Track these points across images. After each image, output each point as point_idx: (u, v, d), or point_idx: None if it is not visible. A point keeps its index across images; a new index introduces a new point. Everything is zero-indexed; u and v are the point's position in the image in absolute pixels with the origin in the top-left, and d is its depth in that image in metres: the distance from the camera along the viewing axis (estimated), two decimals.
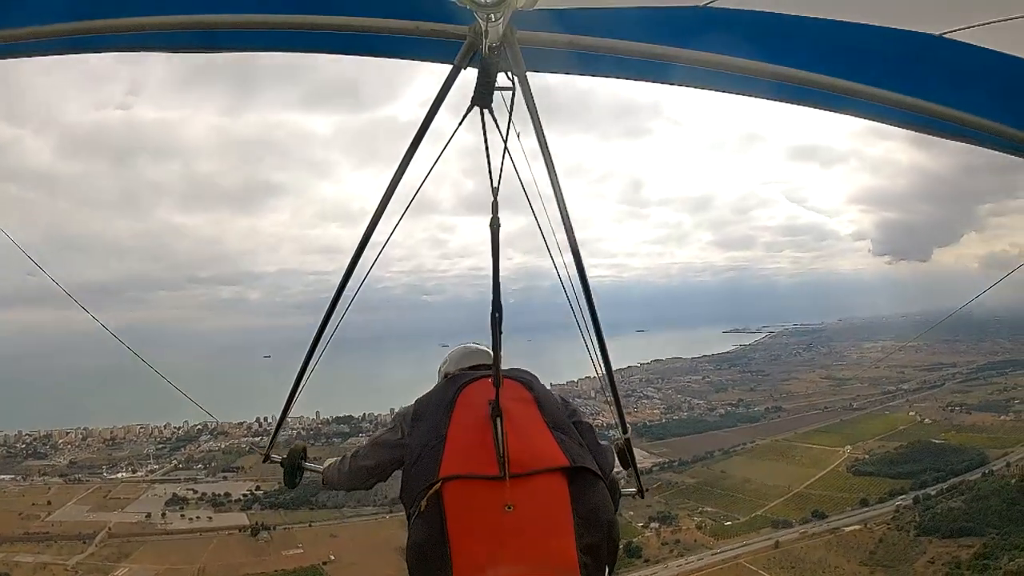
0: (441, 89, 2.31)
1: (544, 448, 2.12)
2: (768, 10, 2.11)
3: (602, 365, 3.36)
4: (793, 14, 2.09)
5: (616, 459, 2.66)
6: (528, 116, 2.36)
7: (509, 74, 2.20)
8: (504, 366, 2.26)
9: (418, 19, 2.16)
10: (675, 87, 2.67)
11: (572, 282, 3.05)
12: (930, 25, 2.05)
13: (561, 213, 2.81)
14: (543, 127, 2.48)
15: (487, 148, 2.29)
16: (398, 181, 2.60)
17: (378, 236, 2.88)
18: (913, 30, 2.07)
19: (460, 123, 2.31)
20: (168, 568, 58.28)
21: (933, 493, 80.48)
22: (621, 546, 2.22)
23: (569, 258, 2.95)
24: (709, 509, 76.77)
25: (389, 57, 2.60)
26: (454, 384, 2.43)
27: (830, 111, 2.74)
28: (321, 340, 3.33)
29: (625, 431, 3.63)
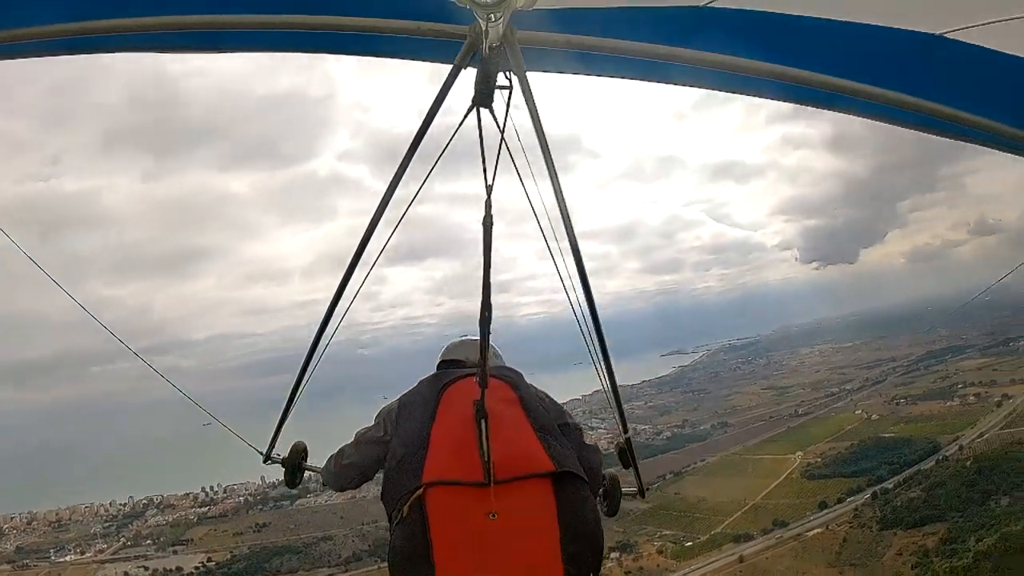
0: (441, 89, 2.31)
1: (529, 452, 2.09)
2: (768, 10, 2.11)
3: (603, 365, 3.36)
4: (793, 14, 2.09)
5: (601, 459, 2.63)
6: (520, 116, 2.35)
7: (509, 74, 2.20)
8: None
9: (418, 19, 2.15)
10: (675, 85, 2.67)
11: (572, 281, 3.06)
12: (930, 25, 2.05)
13: (561, 212, 2.81)
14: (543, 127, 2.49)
15: (482, 146, 2.28)
16: (398, 182, 2.60)
17: (380, 234, 2.88)
18: (913, 30, 2.07)
19: (461, 123, 2.31)
20: None
21: (890, 487, 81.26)
22: None
23: (570, 259, 2.94)
24: (668, 532, 76.86)
25: (389, 57, 2.60)
26: (438, 383, 2.39)
27: (830, 111, 2.75)
28: (321, 341, 3.34)
29: (626, 431, 3.64)
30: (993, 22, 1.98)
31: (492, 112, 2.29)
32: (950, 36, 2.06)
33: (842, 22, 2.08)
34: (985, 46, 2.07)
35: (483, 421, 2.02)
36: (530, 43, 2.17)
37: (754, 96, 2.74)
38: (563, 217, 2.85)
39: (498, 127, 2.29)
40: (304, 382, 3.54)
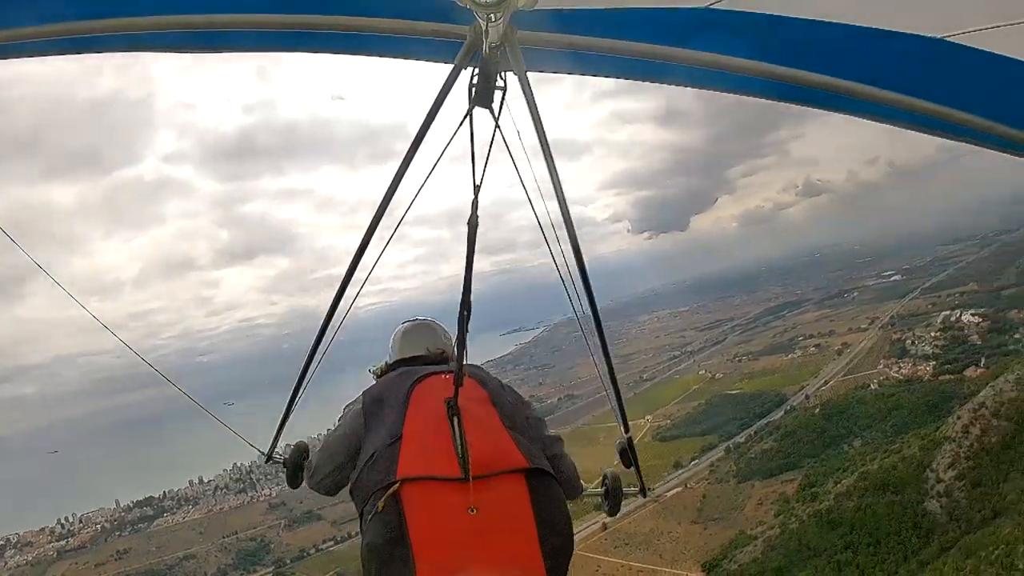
0: (441, 89, 2.31)
1: (503, 449, 2.10)
2: (769, 12, 2.11)
3: (604, 365, 3.36)
4: (794, 16, 2.09)
5: (563, 449, 2.64)
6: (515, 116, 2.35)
7: (510, 73, 2.20)
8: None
9: (418, 19, 2.15)
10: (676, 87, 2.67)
11: (572, 279, 3.06)
12: (931, 28, 2.05)
13: (561, 210, 2.82)
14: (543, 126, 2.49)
15: (472, 145, 2.28)
16: (398, 182, 2.60)
17: (381, 234, 2.88)
18: (915, 33, 2.07)
19: (461, 123, 2.31)
20: None
21: (743, 440, 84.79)
22: None
23: (570, 258, 2.94)
24: None
25: (389, 57, 2.59)
26: (407, 379, 2.38)
27: (830, 111, 2.75)
28: (322, 342, 3.34)
29: (627, 430, 3.64)
30: (994, 27, 1.99)
31: (492, 111, 2.30)
32: (951, 39, 2.06)
33: (843, 25, 2.08)
34: (986, 49, 2.07)
35: (456, 418, 2.04)
36: (530, 43, 2.17)
37: (754, 96, 2.74)
38: (563, 217, 2.86)
39: (497, 126, 2.30)
40: (305, 384, 3.54)
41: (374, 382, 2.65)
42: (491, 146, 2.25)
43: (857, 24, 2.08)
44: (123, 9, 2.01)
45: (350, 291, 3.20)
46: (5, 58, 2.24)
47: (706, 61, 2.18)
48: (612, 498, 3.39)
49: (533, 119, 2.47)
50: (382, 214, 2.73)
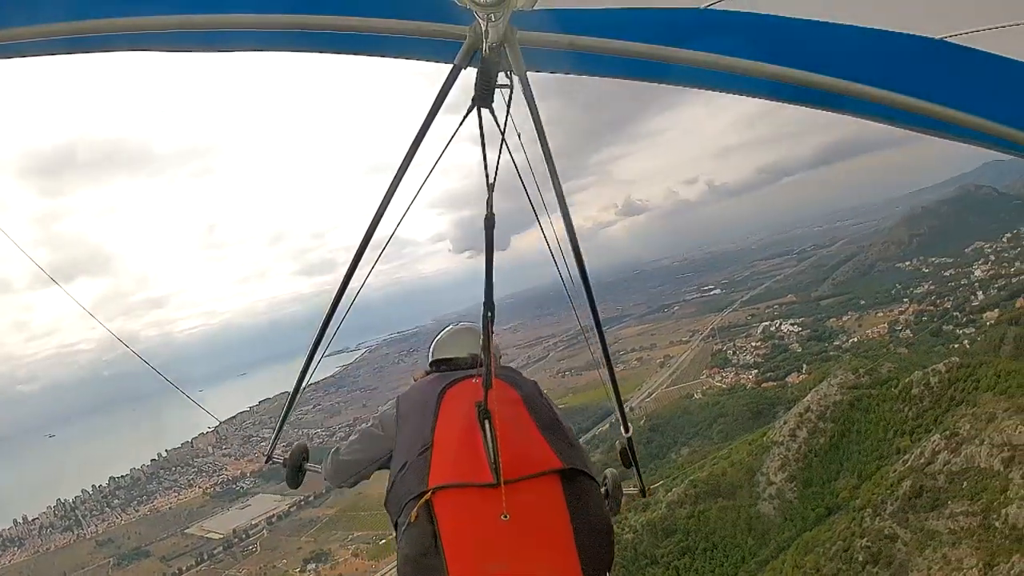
0: (441, 89, 2.31)
1: (536, 450, 2.06)
2: (769, 12, 2.11)
3: (605, 367, 3.37)
4: (794, 16, 2.10)
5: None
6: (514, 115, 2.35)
7: (509, 74, 2.21)
8: None
9: (418, 19, 2.15)
10: (678, 87, 2.67)
11: (572, 279, 3.07)
12: (931, 29, 2.05)
13: (562, 210, 2.82)
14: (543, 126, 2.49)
15: (483, 145, 2.28)
16: (398, 182, 2.60)
17: (380, 234, 2.89)
18: (913, 33, 2.07)
19: (461, 123, 2.32)
20: None
21: None
22: None
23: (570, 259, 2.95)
24: (359, 534, 77.83)
25: (389, 57, 2.60)
26: (438, 385, 2.36)
27: (830, 111, 2.75)
28: (322, 343, 3.34)
29: (627, 430, 3.64)
30: (994, 28, 1.99)
31: (492, 112, 2.30)
32: (951, 40, 2.07)
33: (843, 25, 2.08)
34: (986, 50, 2.08)
35: (487, 422, 1.99)
36: (530, 43, 2.17)
37: (755, 96, 2.74)
38: (563, 216, 2.86)
39: (498, 127, 2.30)
40: (303, 385, 3.55)
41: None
42: (501, 147, 2.26)
43: (857, 24, 2.08)
44: (123, 9, 2.01)
45: (351, 292, 3.20)
46: (5, 58, 2.24)
47: (706, 61, 2.18)
48: (613, 498, 3.40)
49: (533, 119, 2.48)
50: (382, 214, 2.73)
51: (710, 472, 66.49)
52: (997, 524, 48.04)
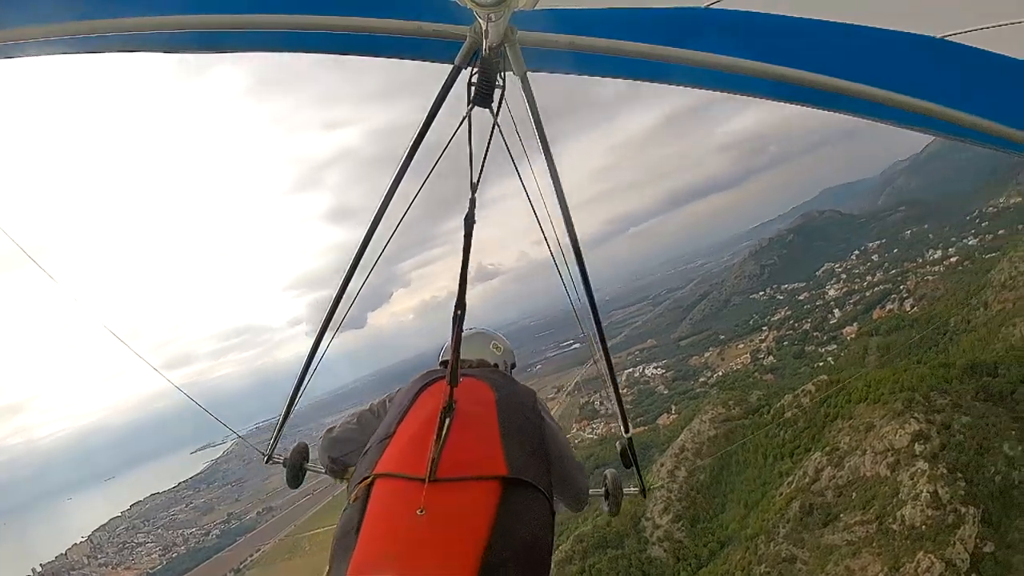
0: (442, 89, 2.31)
1: (485, 455, 2.03)
2: (769, 12, 2.11)
3: (605, 365, 3.37)
4: (794, 16, 2.09)
5: (583, 478, 2.62)
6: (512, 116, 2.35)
7: (510, 73, 2.21)
8: None
9: (419, 19, 2.15)
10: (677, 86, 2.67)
11: (572, 281, 3.07)
12: (931, 29, 2.05)
13: (562, 210, 2.82)
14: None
15: (470, 143, 2.28)
16: (399, 182, 2.60)
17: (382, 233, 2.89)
18: (914, 33, 2.07)
19: (461, 123, 2.31)
20: None
21: None
22: None
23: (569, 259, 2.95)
24: None
25: (389, 57, 2.59)
26: (422, 380, 2.40)
27: (830, 111, 2.75)
28: (322, 343, 3.34)
29: (627, 431, 3.64)
30: (994, 27, 1.99)
31: (492, 112, 2.30)
32: (951, 39, 2.07)
33: (843, 25, 2.08)
34: (986, 49, 2.08)
35: (445, 418, 1.99)
36: (530, 43, 2.17)
37: (754, 97, 2.74)
38: (564, 216, 2.86)
39: (497, 126, 2.30)
40: (304, 386, 3.55)
41: None
42: (490, 143, 2.25)
43: (857, 24, 2.08)
44: (123, 9, 2.01)
45: (350, 292, 3.20)
46: (5, 58, 2.23)
47: (706, 61, 2.18)
48: (613, 498, 3.39)
49: (533, 119, 2.48)
50: (382, 214, 2.73)
51: (594, 524, 65.87)
52: (895, 527, 49.91)
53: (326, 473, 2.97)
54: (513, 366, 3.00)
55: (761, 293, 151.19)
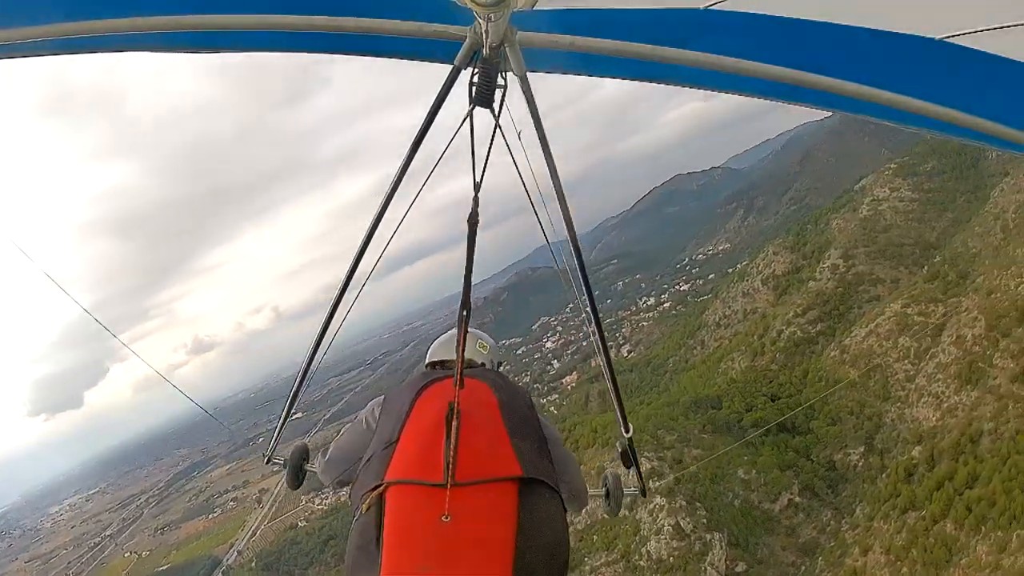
0: (442, 89, 2.31)
1: (497, 456, 2.03)
2: (769, 12, 2.11)
3: (605, 365, 3.37)
4: (793, 17, 2.10)
5: (579, 472, 2.62)
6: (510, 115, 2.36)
7: (510, 74, 2.21)
8: None
9: (418, 19, 2.15)
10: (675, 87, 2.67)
11: (572, 278, 3.07)
12: (931, 30, 2.06)
13: (562, 210, 2.83)
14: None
15: (472, 143, 2.28)
16: (399, 182, 2.60)
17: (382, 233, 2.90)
18: (914, 34, 2.07)
19: (462, 123, 2.31)
20: None
21: None
22: None
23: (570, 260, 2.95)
24: None
25: (389, 57, 2.60)
26: (419, 383, 2.37)
27: (829, 111, 2.76)
28: (322, 344, 3.35)
29: (627, 430, 3.64)
30: (993, 28, 1.99)
31: (492, 112, 2.30)
32: (951, 40, 2.07)
33: (843, 25, 2.09)
34: (984, 50, 2.08)
35: (453, 421, 1.97)
36: (530, 43, 2.17)
37: (754, 97, 2.74)
38: (564, 216, 2.87)
39: (498, 126, 2.30)
40: (304, 386, 3.56)
41: None
42: (492, 143, 2.25)
43: (857, 24, 2.08)
44: (123, 9, 2.01)
45: (350, 293, 3.20)
46: (5, 58, 2.23)
47: (706, 61, 2.18)
48: (613, 498, 3.40)
49: (533, 119, 2.48)
50: (383, 214, 2.73)
51: None
52: (642, 563, 53.00)
53: (329, 488, 2.95)
54: (499, 364, 2.99)
55: None
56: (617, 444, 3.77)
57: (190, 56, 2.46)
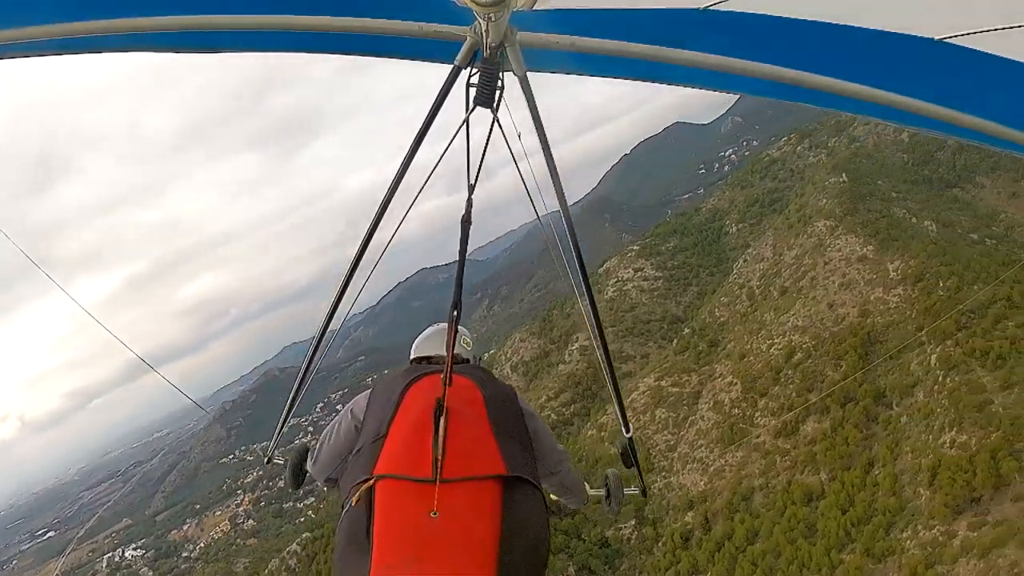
0: (442, 89, 2.31)
1: (483, 453, 2.07)
2: (767, 13, 2.12)
3: (605, 366, 3.37)
4: (792, 17, 2.10)
5: (569, 464, 2.64)
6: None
7: (510, 74, 2.21)
8: None
9: (419, 19, 2.15)
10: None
11: (570, 282, 3.07)
12: (930, 29, 2.06)
13: (562, 210, 2.83)
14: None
15: (468, 144, 2.29)
16: (399, 182, 2.60)
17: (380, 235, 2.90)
18: (914, 34, 2.08)
19: (462, 123, 2.31)
20: None
21: None
22: None
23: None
24: None
25: (389, 57, 2.60)
26: (405, 377, 2.39)
27: (829, 111, 2.76)
28: (322, 345, 3.35)
29: (627, 430, 3.64)
30: (993, 30, 2.00)
31: (493, 112, 2.30)
32: (951, 41, 2.07)
33: (843, 25, 2.09)
34: (984, 51, 2.09)
35: (441, 418, 2.01)
36: (530, 44, 2.17)
37: (755, 97, 2.74)
38: (563, 215, 2.87)
39: (499, 125, 2.31)
40: (304, 386, 3.55)
41: None
42: (488, 140, 2.26)
43: (857, 24, 2.08)
44: (123, 9, 2.01)
45: (350, 293, 3.20)
46: (5, 58, 2.23)
47: (706, 61, 2.18)
48: (614, 499, 3.39)
49: (533, 119, 2.48)
50: (383, 214, 2.73)
51: None
52: None
53: (323, 487, 2.96)
54: (480, 359, 3.01)
55: (231, 456, 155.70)
56: (617, 444, 3.77)
57: (180, 57, 2.46)
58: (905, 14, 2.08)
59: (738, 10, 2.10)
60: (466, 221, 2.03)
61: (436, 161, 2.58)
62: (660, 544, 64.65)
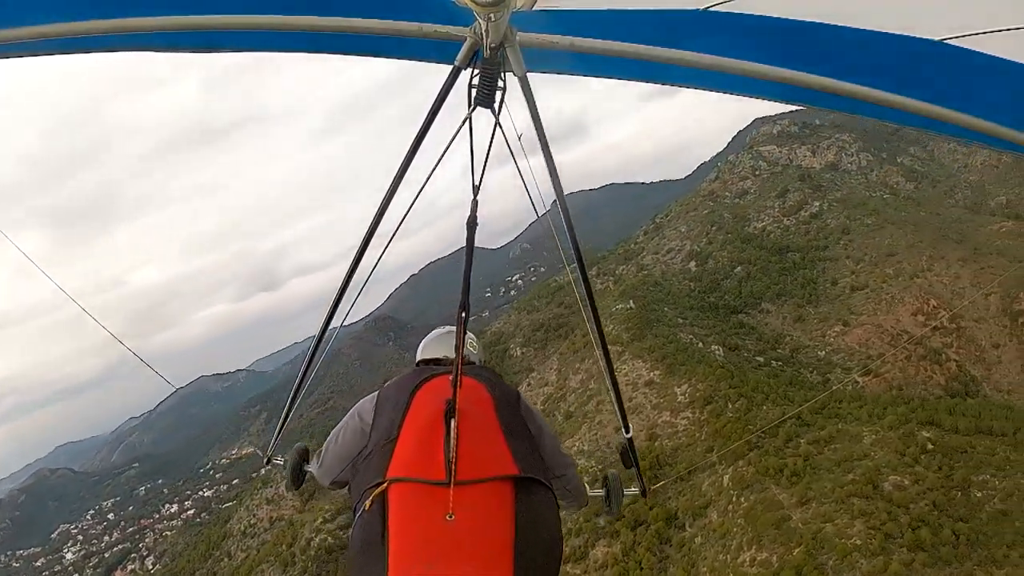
0: (442, 89, 2.31)
1: (495, 455, 2.07)
2: (767, 14, 2.12)
3: (605, 366, 3.37)
4: (794, 18, 2.10)
5: (575, 469, 2.64)
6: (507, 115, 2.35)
7: (510, 74, 2.21)
8: None
9: (419, 20, 2.15)
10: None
11: (572, 280, 3.07)
12: (930, 30, 2.06)
13: (562, 210, 2.83)
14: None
15: (471, 145, 2.28)
16: (399, 182, 2.60)
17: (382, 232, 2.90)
18: (914, 35, 2.08)
19: (463, 123, 2.31)
20: None
21: None
22: None
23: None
24: None
25: (389, 58, 2.60)
26: (414, 379, 2.38)
27: (829, 111, 2.76)
28: (322, 345, 3.35)
29: (627, 431, 3.63)
30: (993, 31, 2.00)
31: (493, 112, 2.30)
32: (951, 42, 2.07)
33: (842, 26, 2.09)
34: (984, 52, 2.08)
35: (451, 420, 2.01)
36: (530, 44, 2.17)
37: (754, 97, 2.74)
38: (563, 214, 2.87)
39: (499, 125, 2.31)
40: (304, 386, 3.55)
41: None
42: (492, 142, 2.26)
43: (857, 25, 2.08)
44: (123, 9, 2.01)
45: (350, 293, 3.20)
46: (5, 58, 2.23)
47: (706, 63, 2.18)
48: (614, 499, 3.39)
49: (533, 119, 2.48)
50: (383, 214, 2.73)
51: None
52: None
53: (328, 489, 2.95)
54: (485, 362, 3.01)
55: None
56: (617, 445, 3.77)
57: (182, 57, 2.46)
58: (905, 14, 2.08)
59: (738, 11, 2.10)
60: (472, 222, 2.02)
61: (436, 161, 2.58)
62: None
